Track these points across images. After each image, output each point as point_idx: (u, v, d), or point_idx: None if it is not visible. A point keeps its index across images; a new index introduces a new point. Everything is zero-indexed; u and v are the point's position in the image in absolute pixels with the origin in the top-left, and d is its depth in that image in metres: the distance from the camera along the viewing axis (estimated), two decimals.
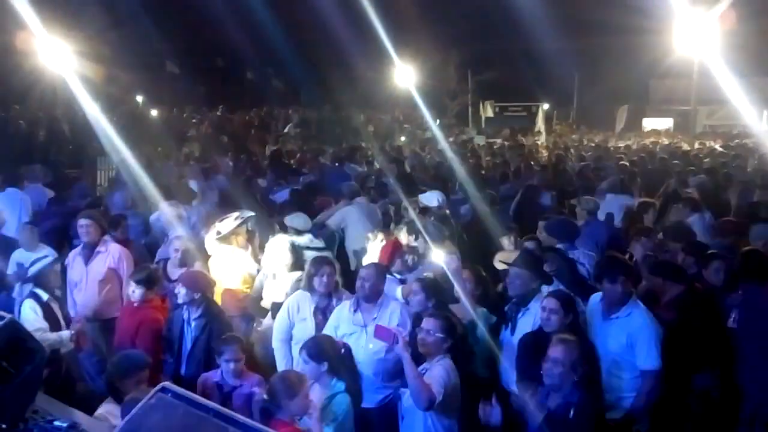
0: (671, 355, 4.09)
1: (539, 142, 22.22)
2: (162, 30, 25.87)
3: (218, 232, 5.96)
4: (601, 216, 7.41)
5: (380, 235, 6.25)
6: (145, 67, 25.49)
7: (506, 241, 6.20)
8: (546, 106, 30.77)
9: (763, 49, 24.15)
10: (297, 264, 5.52)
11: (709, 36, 15.97)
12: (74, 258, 5.85)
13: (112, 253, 5.77)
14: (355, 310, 4.46)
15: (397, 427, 4.04)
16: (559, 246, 5.74)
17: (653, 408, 4.13)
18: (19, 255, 5.89)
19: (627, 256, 5.63)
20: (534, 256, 4.88)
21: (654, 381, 4.03)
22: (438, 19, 29.23)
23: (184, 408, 1.60)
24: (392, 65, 24.21)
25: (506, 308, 4.59)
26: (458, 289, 4.64)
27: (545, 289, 4.51)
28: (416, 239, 5.97)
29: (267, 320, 5.36)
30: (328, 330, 4.44)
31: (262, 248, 6.08)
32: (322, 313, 4.68)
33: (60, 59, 12.19)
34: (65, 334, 5.00)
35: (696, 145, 19.23)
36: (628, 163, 12.71)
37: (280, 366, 4.72)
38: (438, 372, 3.72)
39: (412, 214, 6.89)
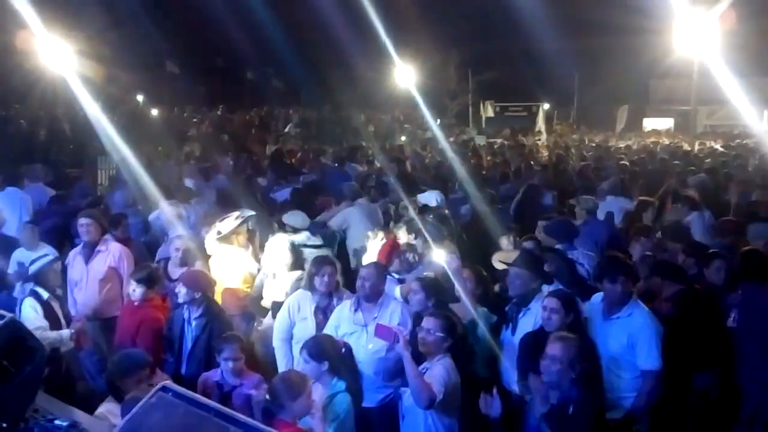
0: (671, 355, 4.09)
1: (539, 142, 22.21)
2: (162, 30, 25.87)
3: (219, 232, 5.96)
4: (600, 216, 7.41)
5: (380, 234, 6.25)
6: (145, 67, 25.50)
7: (505, 241, 6.20)
8: (546, 106, 30.76)
9: (763, 49, 24.14)
10: (297, 263, 5.52)
11: (709, 36, 15.96)
12: (74, 257, 5.86)
13: (112, 252, 5.77)
14: (355, 310, 4.46)
15: (398, 427, 4.04)
16: (558, 246, 5.74)
17: (653, 408, 4.13)
18: (19, 254, 5.90)
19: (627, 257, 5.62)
20: (534, 256, 4.88)
21: (654, 381, 4.03)
22: (438, 19, 29.24)
23: (184, 407, 1.59)
24: (392, 65, 24.22)
25: (507, 308, 4.59)
26: (459, 289, 4.64)
27: (545, 288, 4.51)
28: (416, 238, 5.97)
29: (267, 319, 5.36)
30: (328, 329, 4.45)
31: (262, 247, 6.09)
32: (323, 313, 4.68)
33: (60, 59, 12.19)
34: (65, 332, 5.00)
35: (696, 146, 19.22)
36: (628, 163, 12.72)
37: (281, 365, 4.72)
38: (438, 371, 3.72)
39: (412, 213, 6.89)
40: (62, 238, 6.86)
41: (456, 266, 4.85)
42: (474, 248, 6.50)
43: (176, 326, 4.77)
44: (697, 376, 4.52)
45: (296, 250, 5.64)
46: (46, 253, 5.59)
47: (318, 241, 6.28)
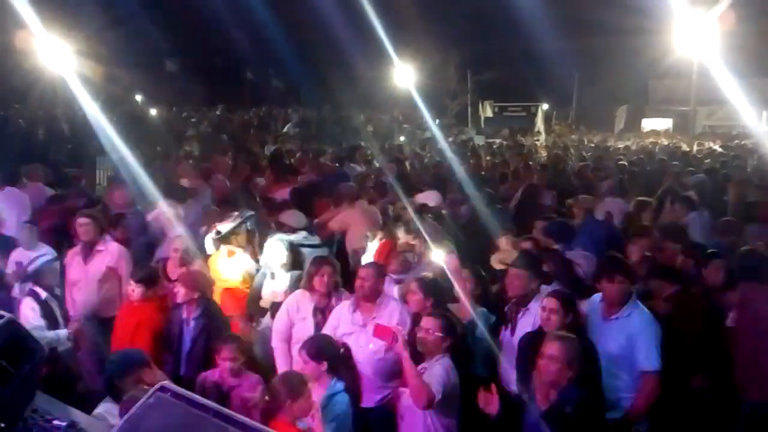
0: (669, 356, 4.09)
1: (538, 143, 22.23)
2: (161, 29, 25.90)
3: (218, 232, 5.96)
4: (599, 217, 7.40)
5: (379, 234, 6.25)
6: (144, 67, 25.52)
7: (504, 242, 6.20)
8: (545, 106, 30.80)
9: (763, 49, 24.17)
10: (295, 263, 5.52)
11: (708, 36, 15.97)
12: (73, 257, 5.85)
13: (111, 252, 5.77)
14: (354, 310, 4.46)
15: (396, 427, 4.05)
16: (556, 246, 5.75)
17: (653, 408, 4.13)
18: (18, 254, 5.89)
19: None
20: (533, 257, 4.88)
21: (654, 381, 4.03)
22: (438, 19, 29.26)
23: (183, 407, 1.59)
24: (392, 65, 24.22)
25: (506, 309, 4.59)
26: (458, 289, 4.64)
27: (544, 288, 4.51)
28: (414, 239, 5.98)
29: (266, 320, 5.36)
30: (327, 330, 4.45)
31: (261, 247, 6.08)
32: (322, 313, 4.68)
33: (59, 58, 12.18)
34: (63, 332, 5.00)
35: (695, 147, 19.24)
36: (627, 164, 12.71)
37: (280, 365, 4.72)
38: (437, 371, 3.72)
39: (411, 213, 6.88)
40: (61, 237, 6.84)
41: (455, 266, 4.85)
42: (472, 248, 6.50)
43: (175, 326, 4.78)
44: (694, 377, 4.52)
45: (294, 249, 5.63)
46: (45, 252, 5.59)
47: (315, 240, 6.28)
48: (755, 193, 8.70)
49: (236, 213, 6.14)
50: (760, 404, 4.50)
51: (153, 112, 21.82)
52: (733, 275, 4.92)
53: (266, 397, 3.47)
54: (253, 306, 5.57)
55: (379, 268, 4.70)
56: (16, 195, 7.70)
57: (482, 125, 30.99)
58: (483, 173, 11.86)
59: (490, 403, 3.57)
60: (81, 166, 11.15)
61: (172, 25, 27.19)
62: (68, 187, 8.95)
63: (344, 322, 4.45)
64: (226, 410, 1.63)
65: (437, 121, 25.64)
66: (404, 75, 24.67)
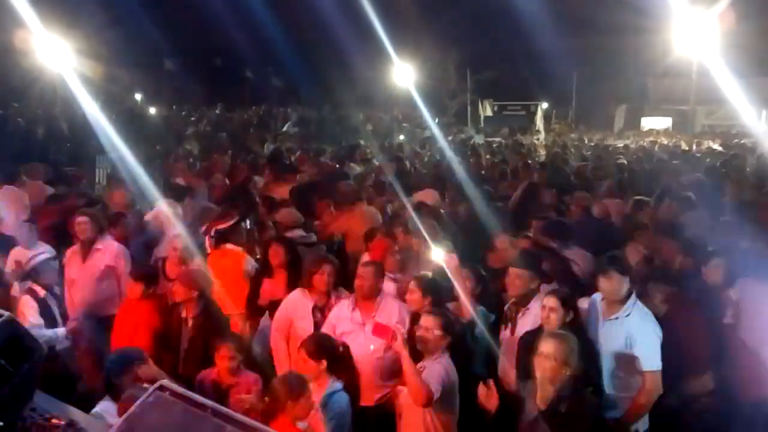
0: (666, 357, 4.09)
1: (537, 141, 22.24)
2: (161, 28, 25.89)
3: (217, 231, 5.96)
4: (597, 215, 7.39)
5: (378, 234, 6.25)
6: (144, 66, 25.54)
7: (501, 241, 6.20)
8: (545, 105, 30.81)
9: (763, 49, 24.19)
10: (294, 261, 5.51)
11: (708, 35, 15.97)
12: (72, 255, 5.85)
13: (109, 251, 5.77)
14: (353, 309, 4.46)
15: (395, 426, 4.05)
16: (553, 245, 5.75)
17: (653, 408, 4.13)
18: (17, 253, 5.89)
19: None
20: (533, 256, 4.88)
21: (653, 381, 4.02)
22: (437, 18, 29.27)
23: (182, 406, 1.59)
24: (391, 64, 24.24)
25: (506, 308, 4.59)
26: (457, 288, 4.64)
27: (544, 287, 4.51)
28: (412, 237, 5.98)
29: (265, 319, 5.36)
30: (326, 328, 4.45)
31: (260, 246, 6.08)
32: (321, 312, 4.68)
33: (59, 57, 12.18)
34: (60, 331, 5.00)
35: (694, 147, 19.24)
36: (626, 162, 12.72)
37: (279, 364, 4.72)
38: (436, 369, 3.73)
39: (410, 211, 6.88)
40: (61, 236, 6.84)
41: (455, 265, 4.85)
42: (471, 247, 6.50)
43: (173, 325, 4.77)
44: (693, 377, 4.52)
45: (293, 248, 5.63)
46: (43, 251, 5.58)
47: (311, 238, 6.28)
48: (753, 193, 8.69)
49: (235, 212, 6.14)
50: (760, 403, 4.50)
51: (152, 111, 21.83)
52: (732, 274, 4.92)
53: (266, 398, 3.46)
54: (252, 305, 5.57)
55: (379, 268, 4.70)
56: (16, 194, 7.69)
57: (482, 124, 31.01)
58: (483, 172, 11.87)
59: (489, 398, 3.57)
60: (80, 165, 11.16)
61: (171, 24, 27.20)
62: (68, 186, 8.95)
63: (343, 320, 4.45)
64: (224, 409, 1.63)
65: (437, 120, 25.65)
66: (404, 74, 24.68)
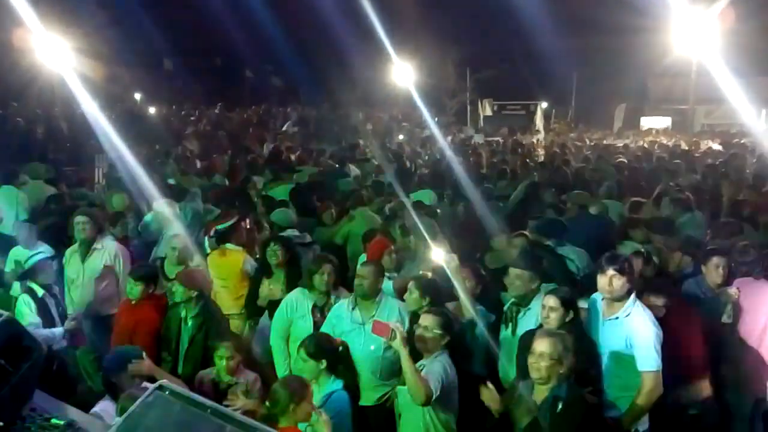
0: (665, 358, 4.08)
1: (535, 140, 22.24)
2: (160, 27, 25.89)
3: (216, 230, 5.96)
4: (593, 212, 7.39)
5: (377, 233, 6.25)
6: (143, 65, 25.52)
7: (498, 241, 6.20)
8: (544, 104, 30.77)
9: (763, 48, 24.16)
10: (292, 261, 5.51)
11: (707, 35, 15.98)
12: (71, 255, 5.85)
13: (108, 250, 5.77)
14: (353, 308, 4.47)
15: (395, 425, 4.05)
16: (548, 243, 5.75)
17: (653, 408, 4.13)
18: (16, 253, 5.89)
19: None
20: (534, 256, 4.87)
21: (653, 381, 4.01)
22: (437, 17, 29.27)
23: (181, 406, 1.60)
24: (391, 63, 24.24)
25: (505, 308, 4.59)
26: (457, 288, 4.64)
27: (544, 286, 4.51)
28: (410, 236, 5.99)
29: (264, 318, 5.36)
30: (326, 328, 4.45)
31: (260, 246, 6.08)
32: (321, 311, 4.68)
33: (58, 56, 12.16)
34: (58, 330, 5.00)
35: (692, 147, 19.23)
36: (626, 161, 12.71)
37: (278, 364, 4.72)
38: (436, 368, 3.73)
39: (409, 210, 6.88)
40: (60, 236, 6.84)
41: (455, 265, 4.85)
42: (469, 247, 6.50)
43: (173, 325, 4.77)
44: (688, 384, 4.50)
45: (291, 248, 5.62)
46: (42, 251, 5.59)
47: (306, 238, 6.28)
48: (749, 194, 8.66)
49: (235, 211, 6.14)
50: (759, 400, 4.50)
51: (152, 110, 21.80)
52: (732, 273, 4.93)
53: (267, 403, 3.45)
54: (252, 305, 5.57)
55: (378, 267, 4.70)
56: (15, 193, 7.69)
57: (481, 123, 30.99)
58: (483, 171, 11.87)
59: (493, 399, 3.57)
60: (80, 165, 11.16)
61: (171, 23, 27.20)
62: (69, 185, 8.96)
63: (343, 320, 4.45)
64: (224, 408, 1.63)
65: (436, 119, 25.64)
66: (403, 73, 24.68)
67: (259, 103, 26.24)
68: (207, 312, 4.76)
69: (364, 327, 4.31)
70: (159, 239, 6.67)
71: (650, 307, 4.28)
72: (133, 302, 4.91)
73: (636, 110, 33.92)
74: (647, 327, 4.06)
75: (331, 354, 3.95)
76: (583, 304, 4.38)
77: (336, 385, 3.86)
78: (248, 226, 6.29)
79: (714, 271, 4.96)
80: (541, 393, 3.47)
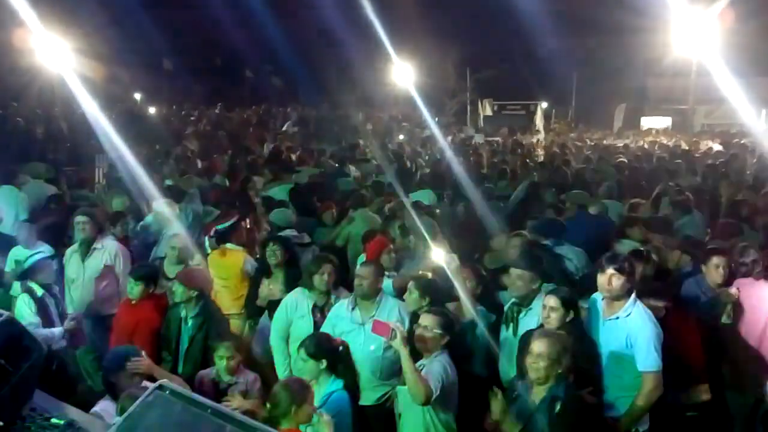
0: (665, 359, 4.08)
1: (535, 140, 22.24)
2: (160, 27, 25.87)
3: (216, 230, 5.96)
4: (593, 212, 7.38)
5: (377, 233, 6.25)
6: (143, 65, 25.50)
7: (497, 241, 6.20)
8: (544, 104, 30.76)
9: (763, 48, 24.16)
10: (291, 261, 5.51)
11: (707, 35, 15.98)
12: (71, 255, 5.86)
13: (108, 250, 5.77)
14: (353, 308, 4.47)
15: (395, 425, 4.05)
16: (546, 242, 5.75)
17: (653, 408, 4.13)
18: (16, 252, 5.89)
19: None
20: (534, 256, 4.87)
21: (654, 381, 4.01)
22: (437, 17, 29.27)
23: (181, 405, 1.59)
24: (391, 63, 24.23)
25: (506, 308, 4.59)
26: (458, 288, 4.64)
27: (544, 286, 4.50)
28: (409, 236, 5.99)
29: (264, 318, 5.36)
30: (326, 328, 4.45)
31: (259, 246, 6.08)
32: (321, 311, 4.68)
33: (58, 56, 12.15)
34: (57, 330, 4.99)
35: (692, 147, 19.22)
36: (626, 160, 12.70)
37: (278, 364, 4.72)
38: (436, 368, 3.73)
39: (408, 210, 6.87)
40: (60, 236, 6.85)
41: (456, 265, 4.85)
42: (468, 247, 6.49)
43: (173, 325, 4.77)
44: (687, 388, 4.50)
45: (290, 247, 5.62)
46: (42, 250, 5.58)
47: (304, 238, 6.28)
48: (748, 195, 8.65)
49: (235, 211, 6.14)
50: (759, 401, 4.50)
51: (152, 110, 21.80)
52: (732, 273, 4.92)
53: (268, 405, 3.45)
54: (251, 304, 5.57)
55: (378, 267, 4.70)
56: (15, 193, 7.69)
57: (481, 123, 30.98)
58: (483, 171, 11.87)
59: (500, 409, 3.57)
60: (79, 165, 11.16)
61: (171, 23, 27.20)
62: (69, 185, 8.97)
63: (343, 320, 4.45)
64: (224, 408, 1.63)
65: (436, 119, 25.64)
66: (403, 73, 24.68)
67: (259, 103, 26.23)
68: (207, 312, 4.76)
69: (364, 327, 4.31)
70: (159, 239, 6.66)
71: (649, 308, 4.28)
72: (133, 302, 4.91)
73: (636, 110, 33.92)
74: (648, 327, 4.05)
75: (331, 354, 3.94)
76: (583, 304, 4.38)
77: (336, 385, 3.86)
78: (248, 226, 6.29)
79: (714, 271, 4.95)
80: (539, 393, 3.48)
